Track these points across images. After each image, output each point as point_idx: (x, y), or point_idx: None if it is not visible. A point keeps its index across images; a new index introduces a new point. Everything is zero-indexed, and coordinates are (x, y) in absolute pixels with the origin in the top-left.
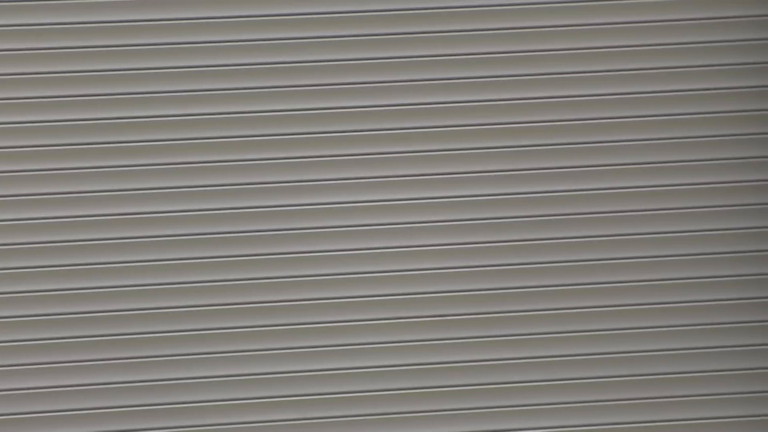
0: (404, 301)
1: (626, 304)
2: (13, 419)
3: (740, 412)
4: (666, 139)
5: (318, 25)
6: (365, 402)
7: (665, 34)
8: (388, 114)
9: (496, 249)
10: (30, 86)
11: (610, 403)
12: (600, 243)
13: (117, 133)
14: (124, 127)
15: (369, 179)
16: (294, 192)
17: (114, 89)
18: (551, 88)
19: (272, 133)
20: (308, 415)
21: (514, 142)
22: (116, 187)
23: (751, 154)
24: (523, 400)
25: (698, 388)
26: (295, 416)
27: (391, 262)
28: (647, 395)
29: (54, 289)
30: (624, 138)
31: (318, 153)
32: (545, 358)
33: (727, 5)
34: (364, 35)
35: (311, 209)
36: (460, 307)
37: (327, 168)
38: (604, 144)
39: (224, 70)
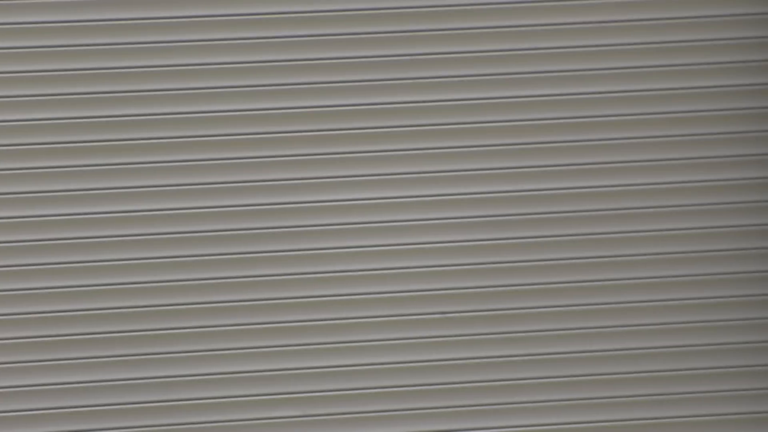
0: (403, 299)
1: (628, 301)
2: (12, 417)
3: (742, 408)
4: (666, 136)
5: (307, 23)
6: (365, 399)
7: (664, 32)
8: (386, 112)
9: (495, 246)
10: (28, 84)
11: (612, 400)
12: (600, 240)
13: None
14: (91, 126)
15: (366, 177)
16: (289, 190)
17: (106, 87)
18: (550, 86)
19: (267, 131)
20: (309, 412)
21: (512, 140)
22: (114, 185)
23: (751, 151)
24: (524, 396)
25: (699, 384)
26: (296, 413)
27: (389, 260)
28: (649, 392)
29: (56, 286)
30: (624, 136)
31: (314, 151)
32: (546, 355)
33: (727, 4)
34: (355, 33)
35: (307, 207)
36: (460, 304)
37: (323, 166)
38: (604, 142)
39: (211, 68)
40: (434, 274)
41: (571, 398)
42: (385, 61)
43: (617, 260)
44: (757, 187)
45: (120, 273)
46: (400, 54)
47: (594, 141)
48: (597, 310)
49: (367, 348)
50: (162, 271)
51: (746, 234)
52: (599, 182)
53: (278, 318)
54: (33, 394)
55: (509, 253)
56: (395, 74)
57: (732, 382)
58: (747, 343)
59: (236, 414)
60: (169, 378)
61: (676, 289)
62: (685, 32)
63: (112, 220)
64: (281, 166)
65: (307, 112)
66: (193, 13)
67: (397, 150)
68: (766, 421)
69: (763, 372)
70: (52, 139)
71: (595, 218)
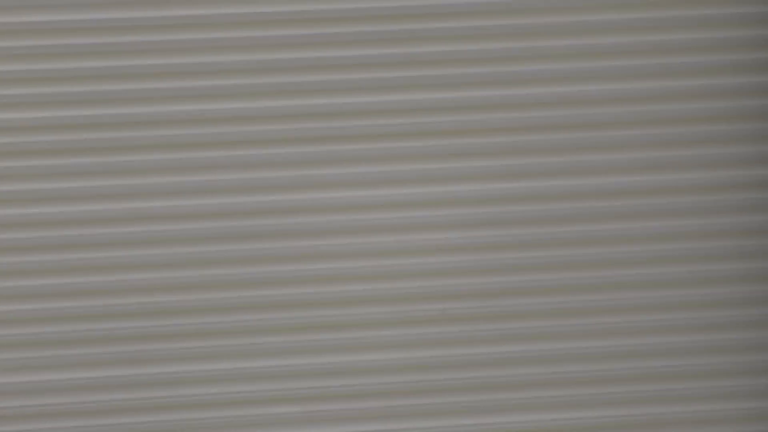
0: (404, 296)
1: (626, 299)
2: (11, 414)
3: (740, 405)
4: (666, 135)
5: (316, 23)
6: (365, 396)
7: (663, 30)
8: (391, 110)
9: (495, 245)
10: (30, 84)
11: (610, 397)
12: (599, 238)
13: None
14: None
15: (371, 174)
16: (290, 188)
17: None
18: (549, 85)
19: (276, 129)
20: (311, 409)
21: (510, 138)
22: (112, 183)
23: (749, 149)
24: (525, 393)
25: (697, 381)
26: (299, 409)
27: (390, 257)
28: (646, 389)
29: (57, 283)
30: (624, 133)
31: (321, 148)
32: (544, 351)
33: (727, 3)
34: (360, 32)
35: (308, 204)
36: (461, 302)
37: (323, 164)
38: (604, 140)
39: (214, 67)
40: (435, 272)
41: (566, 395)
42: (386, 59)
43: (616, 258)
44: (754, 185)
45: (117, 270)
46: (402, 53)
47: (593, 139)
48: (595, 307)
49: (367, 345)
50: (161, 268)
51: (744, 231)
52: (598, 180)
53: (279, 315)
54: (35, 390)
55: (508, 251)
56: (396, 73)
57: (729, 378)
58: (745, 339)
59: (236, 411)
60: (169, 374)
61: (674, 287)
62: (684, 31)
63: (114, 218)
64: (281, 164)
65: (308, 111)
66: (193, 12)
67: (397, 148)
68: (764, 418)
69: (761, 369)
70: (49, 137)
71: (593, 216)
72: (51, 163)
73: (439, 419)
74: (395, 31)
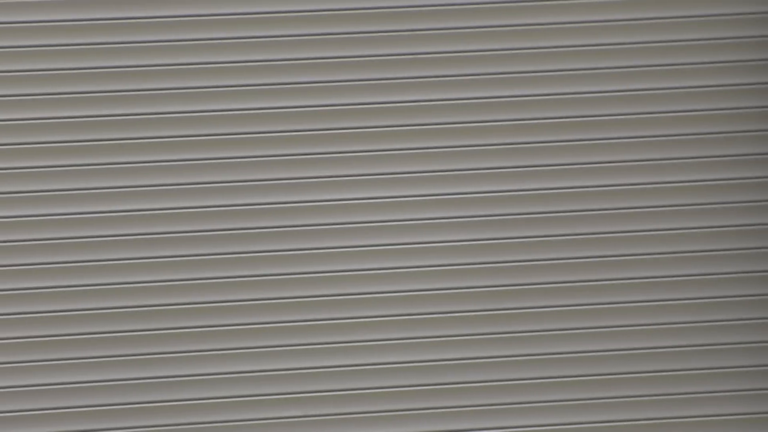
0: (402, 298)
1: (627, 301)
2: (11, 417)
3: (743, 409)
4: (666, 136)
5: (303, 22)
6: (365, 399)
7: (663, 31)
8: (394, 110)
9: (494, 246)
10: (31, 83)
11: (612, 401)
12: (599, 240)
13: (108, 131)
14: (129, 124)
15: (368, 176)
16: (287, 189)
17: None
18: (548, 86)
19: (264, 131)
20: (310, 413)
21: (509, 139)
22: (112, 184)
23: (750, 150)
24: (523, 397)
25: (700, 385)
26: (297, 413)
27: (388, 259)
28: (649, 392)
29: (57, 285)
30: (623, 135)
31: (311, 150)
32: (546, 355)
33: (727, 3)
34: (362, 33)
35: (305, 206)
36: (459, 304)
37: (321, 165)
38: (602, 141)
39: (207, 68)
40: (433, 274)
41: (571, 398)
42: (382, 60)
43: (616, 260)
44: (757, 187)
45: (119, 272)
46: (397, 53)
47: (592, 140)
48: (596, 309)
49: (366, 348)
50: (161, 270)
51: (746, 233)
52: (597, 182)
53: (277, 318)
54: (34, 393)
55: (508, 253)
56: (393, 74)
57: (733, 382)
58: (747, 342)
59: (236, 414)
60: (169, 378)
61: (675, 289)
62: (684, 31)
63: (111, 220)
64: (279, 165)
65: (304, 112)
66: (187, 12)
67: (393, 150)
68: (767, 422)
69: (764, 372)
70: (45, 138)
71: (593, 217)
72: (47, 164)
73: (440, 422)
74: (388, 33)
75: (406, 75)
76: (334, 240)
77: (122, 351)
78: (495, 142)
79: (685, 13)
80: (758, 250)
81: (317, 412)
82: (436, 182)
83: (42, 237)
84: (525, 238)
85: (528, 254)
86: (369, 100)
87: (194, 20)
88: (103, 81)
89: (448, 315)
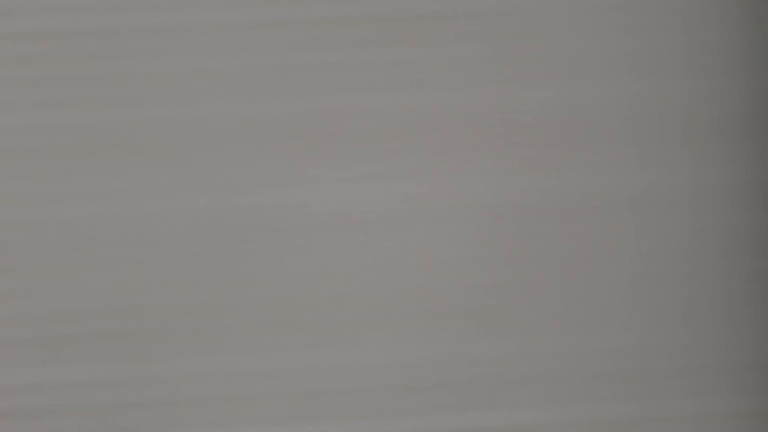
0: (404, 295)
1: (623, 296)
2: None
3: (739, 405)
4: (665, 133)
5: (310, 25)
6: (366, 395)
7: (661, 33)
8: (386, 110)
9: (491, 240)
10: (30, 86)
11: (604, 395)
12: (593, 235)
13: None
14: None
15: (368, 174)
16: (288, 186)
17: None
18: (548, 85)
19: (272, 130)
20: (302, 410)
21: (511, 138)
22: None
23: (744, 150)
24: (521, 391)
25: (691, 380)
26: (291, 407)
27: (384, 256)
28: (646, 387)
29: (56, 283)
30: (623, 133)
31: (316, 148)
32: (543, 348)
33: (723, 5)
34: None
35: (307, 203)
36: (462, 299)
37: (326, 164)
38: (603, 139)
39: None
40: (432, 269)
41: (566, 391)
42: (381, 61)
43: (609, 255)
44: (754, 186)
45: (112, 270)
46: (397, 54)
47: (593, 139)
48: (589, 305)
49: (360, 344)
50: (151, 268)
51: (739, 231)
52: (597, 180)
53: (273, 314)
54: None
55: (499, 248)
56: (393, 74)
57: (725, 376)
58: (739, 338)
59: (229, 409)
60: (160, 373)
61: (668, 285)
62: (685, 32)
63: (107, 218)
64: (274, 164)
65: (302, 112)
66: (184, 17)
67: (394, 147)
68: (759, 416)
69: (756, 367)
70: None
71: (588, 213)
72: (43, 164)
73: (435, 416)
74: (390, 33)
75: (402, 76)
76: (330, 237)
77: (111, 347)
78: (494, 140)
79: (682, 16)
80: (751, 248)
81: (312, 409)
82: (435, 179)
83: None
84: (517, 233)
85: (519, 250)
86: (363, 101)
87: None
88: (99, 84)
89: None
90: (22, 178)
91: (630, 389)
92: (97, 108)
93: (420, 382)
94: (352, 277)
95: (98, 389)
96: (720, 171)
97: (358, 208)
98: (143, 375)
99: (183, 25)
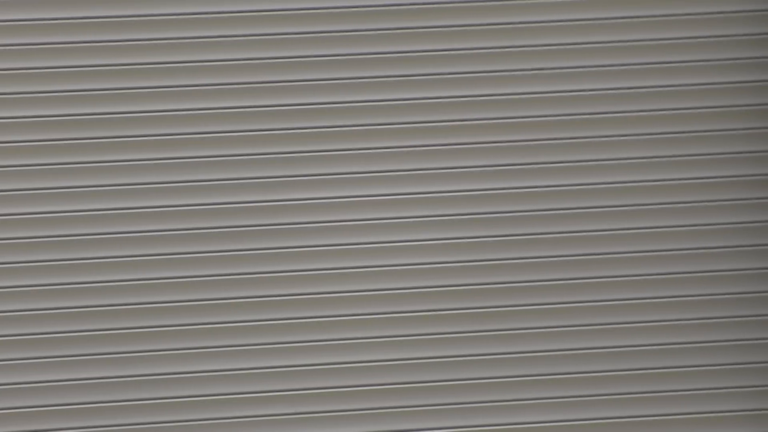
0: (403, 296)
1: (626, 299)
2: (9, 414)
3: (741, 406)
4: (665, 133)
5: (321, 20)
6: (363, 396)
7: (667, 28)
8: (387, 108)
9: (497, 243)
10: (31, 81)
11: (610, 398)
12: (599, 237)
13: (112, 128)
14: (112, 122)
15: (369, 173)
16: (294, 187)
17: (109, 84)
18: (553, 83)
19: (274, 128)
20: (301, 410)
21: (513, 136)
22: (115, 181)
23: (751, 148)
24: (521, 394)
25: (696, 382)
26: (288, 411)
27: (391, 257)
28: (648, 389)
29: (55, 283)
30: (624, 132)
31: (318, 148)
32: (544, 352)
33: (729, 0)
34: (365, 30)
35: (307, 204)
36: (461, 301)
37: (326, 162)
38: (604, 138)
39: (226, 65)
40: (430, 270)
41: (569, 395)
42: (384, 57)
43: (612, 257)
44: (755, 184)
45: (110, 270)
46: (398, 51)
47: (594, 138)
48: (596, 306)
49: (358, 345)
50: (144, 268)
51: (744, 231)
52: (598, 179)
53: (270, 315)
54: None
55: (502, 250)
56: (394, 71)
57: (729, 379)
58: (744, 340)
59: (231, 410)
60: (157, 376)
61: (672, 286)
62: (683, 29)
63: (163, 214)
64: (271, 163)
65: (300, 109)
66: (185, 10)
67: (390, 147)
68: (763, 419)
69: (761, 369)
70: (41, 136)
71: (590, 215)
72: (40, 162)
73: (431, 419)
74: (391, 29)
75: (399, 72)
76: (329, 238)
77: (110, 349)
78: (496, 139)
79: (680, 11)
80: (755, 248)
81: (310, 410)
82: (436, 179)
83: (30, 235)
84: (520, 236)
85: (522, 251)
86: (369, 97)
87: (190, 18)
88: (97, 79)
89: (481, 310)
90: (12, 176)
91: (638, 392)
92: (90, 104)
93: (420, 384)
94: (351, 278)
95: (89, 393)
96: (729, 169)
97: (357, 208)
98: (134, 376)
99: (175, 20)
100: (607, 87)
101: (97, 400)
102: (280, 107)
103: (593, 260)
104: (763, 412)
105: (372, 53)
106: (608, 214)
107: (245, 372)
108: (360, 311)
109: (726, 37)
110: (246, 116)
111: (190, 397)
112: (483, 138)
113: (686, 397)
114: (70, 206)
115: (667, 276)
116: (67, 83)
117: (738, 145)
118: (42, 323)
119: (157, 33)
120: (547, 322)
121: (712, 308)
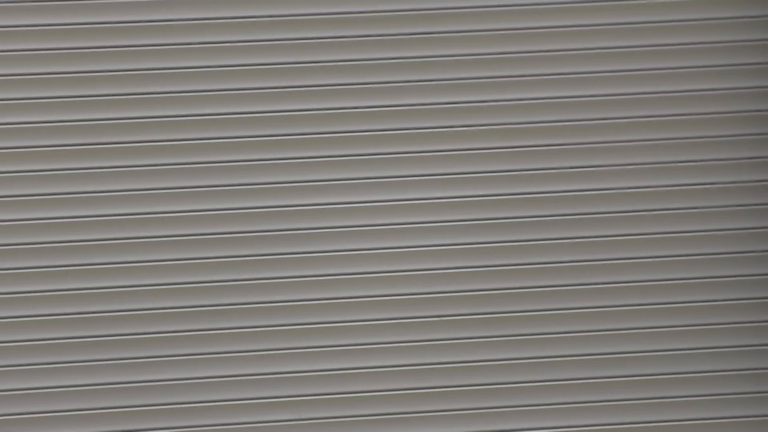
0: (408, 302)
1: (629, 304)
2: (15, 419)
3: (742, 412)
4: (667, 139)
5: (325, 25)
6: (367, 402)
7: (669, 34)
8: (394, 114)
9: (501, 249)
10: (34, 86)
11: (613, 403)
12: (602, 243)
13: (119, 134)
14: (128, 127)
15: (374, 179)
16: (299, 192)
17: (116, 89)
18: (556, 89)
19: (279, 134)
20: (309, 416)
21: (519, 142)
22: (120, 187)
23: (752, 154)
24: (526, 400)
25: (701, 388)
26: (296, 417)
27: (396, 262)
28: (650, 395)
29: (58, 289)
30: (626, 138)
31: (323, 153)
32: (549, 358)
33: (730, 6)
34: (371, 35)
35: (316, 209)
36: (465, 307)
37: (331, 168)
38: (607, 144)
39: (231, 70)
40: (439, 275)
41: (574, 401)
42: (396, 63)
43: (618, 263)
44: (757, 190)
45: (116, 276)
46: (403, 57)
47: (597, 143)
48: (600, 312)
49: (363, 351)
50: (149, 274)
51: (746, 237)
52: (602, 185)
53: (273, 321)
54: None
55: (508, 256)
56: (407, 77)
57: (734, 385)
58: (746, 346)
59: (238, 416)
60: (162, 381)
61: (678, 292)
62: (690, 35)
63: (158, 221)
64: (278, 169)
65: (314, 113)
66: (188, 16)
67: (396, 153)
68: (765, 424)
69: (764, 375)
70: (43, 142)
71: (597, 221)
72: (43, 167)
73: (440, 425)
74: (397, 35)
75: (417, 78)
76: (376, 241)
77: (161, 352)
78: (497, 145)
79: (681, 17)
80: (757, 254)
81: (314, 416)
82: (438, 186)
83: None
84: (522, 241)
85: (525, 257)
86: (367, 103)
87: (194, 25)
88: (101, 85)
89: (489, 316)
90: (26, 179)
91: (644, 396)
92: (93, 110)
93: (426, 390)
94: (358, 282)
95: (103, 393)
96: (731, 175)
97: (363, 214)
98: (147, 381)
99: (180, 26)
100: (610, 93)
101: (101, 406)
102: (283, 113)
103: (597, 266)
104: (764, 418)
105: (377, 59)
106: (611, 219)
107: (250, 378)
108: (365, 317)
109: (728, 43)
110: (250, 122)
111: (195, 402)
112: (489, 144)
113: (690, 403)
114: (74, 212)
115: (670, 282)
116: (69, 89)
117: (740, 151)
118: (46, 329)
119: (158, 39)
120: (553, 328)
121: (715, 314)
